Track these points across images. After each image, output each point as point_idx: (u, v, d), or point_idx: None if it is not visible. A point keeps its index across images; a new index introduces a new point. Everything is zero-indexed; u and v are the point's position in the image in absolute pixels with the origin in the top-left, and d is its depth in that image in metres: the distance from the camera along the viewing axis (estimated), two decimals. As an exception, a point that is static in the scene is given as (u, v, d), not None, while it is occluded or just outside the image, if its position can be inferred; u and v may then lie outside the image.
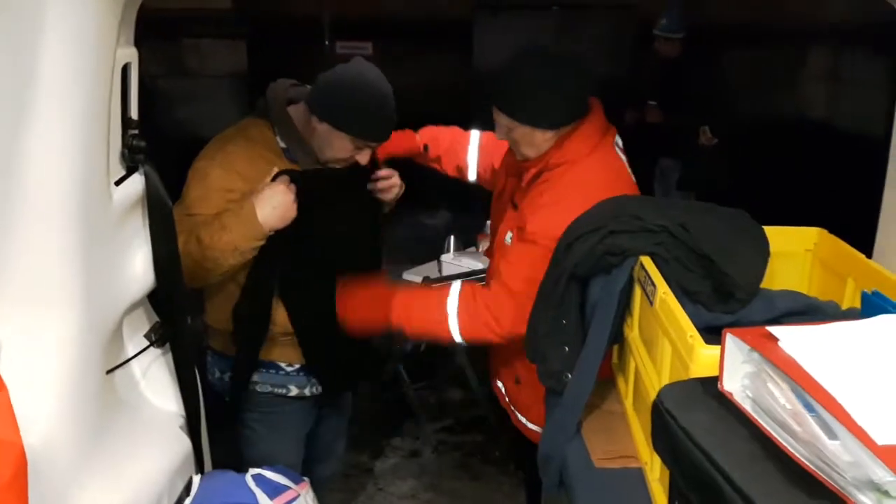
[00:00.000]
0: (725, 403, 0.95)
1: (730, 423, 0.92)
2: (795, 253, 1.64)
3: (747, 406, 0.92)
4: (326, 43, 6.81)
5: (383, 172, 2.01)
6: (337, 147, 1.88)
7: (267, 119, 1.91)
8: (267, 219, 1.78)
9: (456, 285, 1.87)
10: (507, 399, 2.09)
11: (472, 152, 2.22)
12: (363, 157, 1.91)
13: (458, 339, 1.86)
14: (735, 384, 0.94)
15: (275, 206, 1.78)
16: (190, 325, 1.66)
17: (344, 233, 1.96)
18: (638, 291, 1.46)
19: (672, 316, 1.19)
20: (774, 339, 0.90)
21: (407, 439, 3.59)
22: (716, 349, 1.01)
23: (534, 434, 1.97)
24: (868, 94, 4.89)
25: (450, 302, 1.84)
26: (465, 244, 3.82)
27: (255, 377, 2.00)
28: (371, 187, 2.00)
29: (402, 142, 2.15)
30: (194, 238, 1.77)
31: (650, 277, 1.33)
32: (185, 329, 1.63)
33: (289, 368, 2.01)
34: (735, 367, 0.94)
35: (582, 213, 1.53)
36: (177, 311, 1.60)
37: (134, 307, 1.57)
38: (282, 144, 1.91)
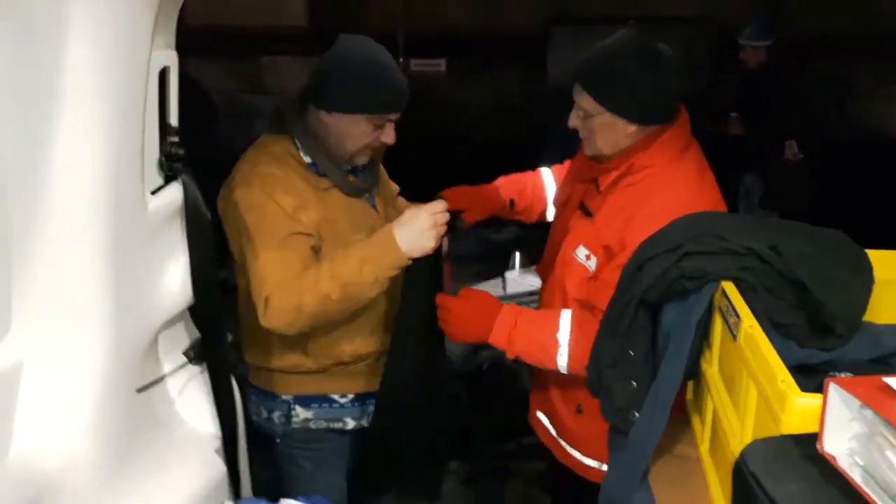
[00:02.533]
0: (826, 470, 0.78)
1: (832, 497, 0.75)
2: (904, 281, 1.42)
3: (856, 476, 0.74)
4: (401, 60, 6.83)
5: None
6: (356, 134, 1.71)
7: (286, 134, 1.75)
8: (407, 245, 1.62)
9: (566, 317, 1.68)
10: (553, 432, 1.90)
11: (549, 191, 2.05)
12: (389, 136, 1.74)
13: (563, 369, 1.68)
14: (839, 446, 0.76)
15: (417, 231, 1.62)
16: (230, 343, 1.57)
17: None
18: (718, 321, 1.28)
19: (759, 354, 1.02)
20: (894, 393, 0.73)
21: (464, 464, 3.43)
22: (814, 398, 0.84)
23: (591, 472, 1.78)
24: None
25: (561, 331, 1.66)
26: (532, 261, 3.70)
27: (307, 413, 1.85)
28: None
29: (491, 203, 1.96)
30: (325, 275, 1.61)
31: (733, 306, 1.15)
32: (224, 346, 1.54)
33: (343, 400, 1.87)
34: (840, 425, 0.76)
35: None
36: (215, 328, 1.51)
37: (172, 322, 1.50)
38: (306, 159, 1.74)
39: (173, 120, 1.37)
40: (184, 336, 1.56)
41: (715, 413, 1.28)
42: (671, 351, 1.29)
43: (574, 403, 1.82)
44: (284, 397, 1.84)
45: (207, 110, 2.62)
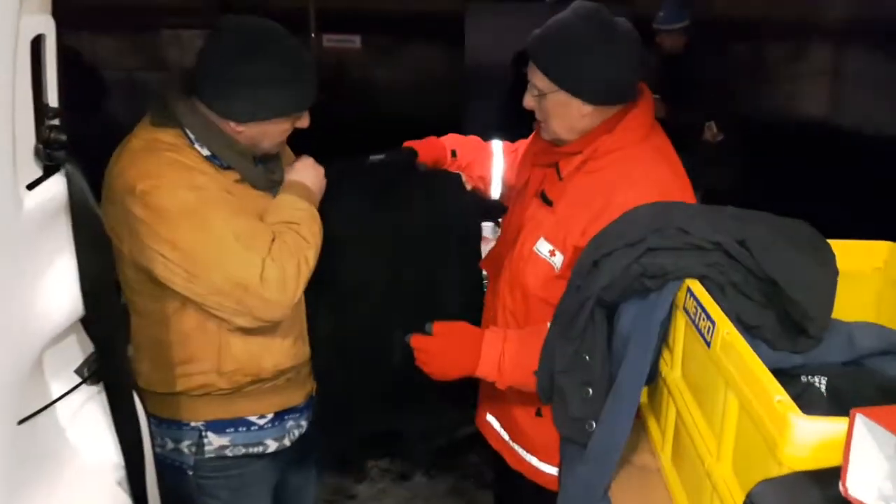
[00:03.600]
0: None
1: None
2: (861, 272, 1.37)
3: (889, 521, 0.64)
4: (312, 36, 6.54)
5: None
6: (276, 134, 1.55)
7: (174, 126, 1.50)
8: (315, 183, 1.61)
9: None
10: (506, 437, 1.76)
11: (496, 163, 1.91)
12: (305, 121, 1.59)
13: None
14: (869, 491, 0.66)
15: (314, 172, 1.62)
16: (131, 357, 1.36)
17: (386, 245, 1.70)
18: (681, 321, 1.18)
19: (742, 365, 0.92)
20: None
21: (396, 461, 3.30)
22: (822, 422, 0.73)
23: (547, 478, 1.65)
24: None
25: None
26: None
27: (222, 440, 1.63)
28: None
29: (431, 150, 1.85)
30: (303, 258, 1.49)
31: (704, 309, 1.05)
32: (124, 361, 1.33)
33: (261, 421, 1.66)
34: (868, 463, 0.66)
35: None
36: (112, 341, 1.30)
37: (60, 338, 1.28)
38: (204, 151, 1.50)
39: (52, 99, 1.15)
40: (77, 352, 1.34)
41: (679, 421, 1.18)
42: (631, 355, 1.18)
43: (533, 406, 1.66)
44: (194, 424, 1.61)
45: (97, 90, 2.33)
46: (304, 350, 1.66)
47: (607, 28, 1.48)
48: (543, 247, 1.54)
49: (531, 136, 1.74)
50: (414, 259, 1.71)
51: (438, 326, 1.53)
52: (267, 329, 1.55)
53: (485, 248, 3.55)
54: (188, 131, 1.50)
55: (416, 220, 1.71)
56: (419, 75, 6.53)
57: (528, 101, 1.56)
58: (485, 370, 1.49)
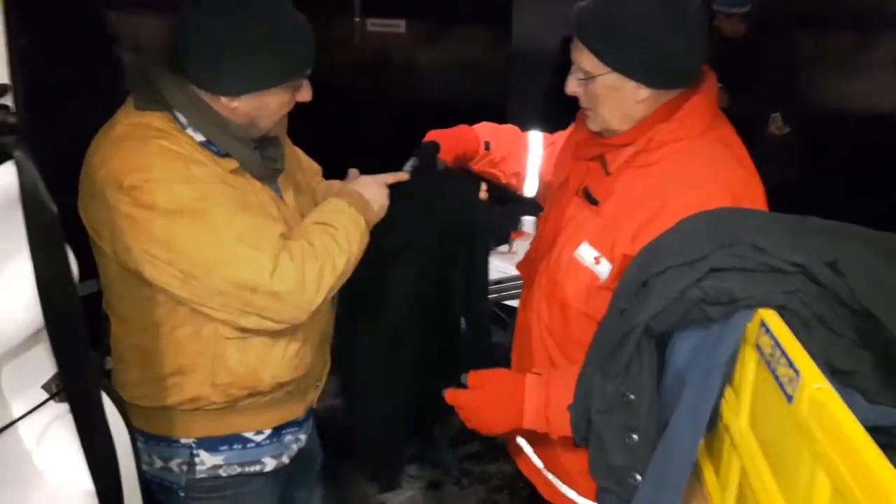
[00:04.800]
0: None
1: None
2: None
3: None
4: (357, 20, 6.39)
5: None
6: (275, 108, 1.37)
7: (163, 110, 1.33)
8: (376, 200, 1.48)
9: None
10: (539, 464, 1.55)
11: (532, 157, 1.69)
12: (306, 93, 1.41)
13: None
14: None
15: (377, 190, 1.49)
16: (102, 367, 1.20)
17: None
18: (751, 359, 0.95)
19: (840, 437, 0.69)
20: None
21: (426, 468, 3.12)
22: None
23: None
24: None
25: None
26: (496, 242, 3.33)
27: (216, 459, 1.49)
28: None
29: (460, 142, 1.63)
30: (329, 263, 1.34)
31: (784, 352, 0.82)
32: (91, 372, 1.16)
33: (258, 437, 1.52)
34: None
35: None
36: (76, 353, 1.14)
37: (19, 350, 1.12)
38: (198, 137, 1.34)
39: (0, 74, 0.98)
40: (44, 365, 1.19)
41: (744, 480, 0.95)
42: (688, 398, 0.96)
43: None
44: (185, 441, 1.47)
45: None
46: (307, 361, 1.50)
47: (669, 2, 1.25)
48: (587, 253, 1.33)
49: (571, 126, 1.52)
50: (423, 270, 1.53)
51: (473, 378, 1.36)
52: (266, 338, 1.40)
53: (524, 244, 3.32)
54: (178, 114, 1.33)
55: (425, 230, 1.53)
56: (464, 60, 6.34)
57: (572, 86, 1.34)
58: (531, 422, 1.31)
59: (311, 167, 1.73)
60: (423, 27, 6.42)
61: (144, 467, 1.47)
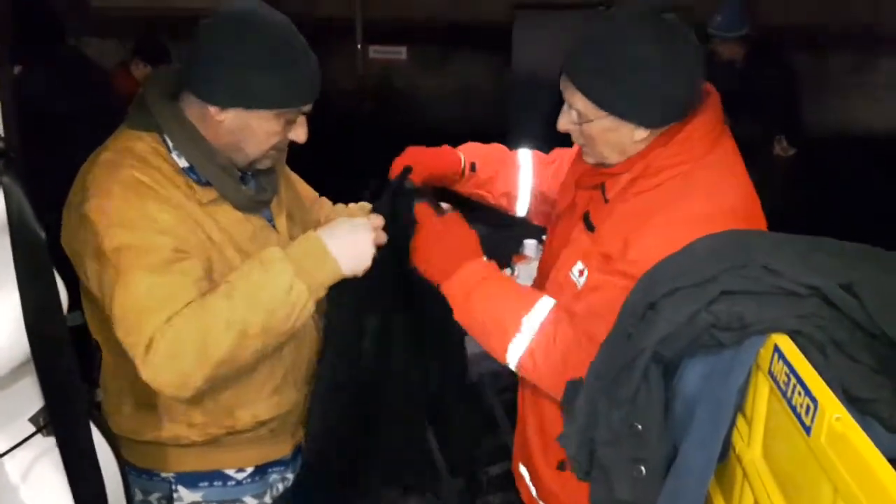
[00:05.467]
0: None
1: None
2: None
3: None
4: (359, 47, 6.45)
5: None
6: (261, 135, 1.30)
7: (150, 129, 1.32)
8: (342, 258, 1.27)
9: (545, 304, 1.31)
10: (534, 492, 1.51)
11: (524, 176, 1.65)
12: (300, 133, 1.35)
13: (511, 363, 1.33)
14: None
15: (351, 244, 1.28)
16: (90, 401, 1.17)
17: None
18: (763, 385, 0.91)
19: (859, 465, 0.65)
20: None
21: (428, 497, 3.06)
22: None
23: None
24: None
25: (531, 315, 1.31)
26: (499, 264, 3.31)
27: (195, 495, 1.44)
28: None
29: (440, 161, 1.58)
30: (239, 301, 1.21)
31: (800, 379, 0.78)
32: (79, 408, 1.12)
33: (239, 475, 1.47)
34: None
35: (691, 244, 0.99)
36: (64, 385, 1.10)
37: (7, 383, 1.08)
38: (181, 163, 1.31)
39: (-14, 98, 0.96)
40: (31, 398, 1.15)
41: (758, 513, 0.91)
42: (699, 428, 0.92)
43: (555, 457, 1.42)
44: (164, 475, 1.43)
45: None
46: (290, 398, 1.45)
47: (664, 33, 1.20)
48: (575, 271, 1.32)
49: (575, 153, 1.49)
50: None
51: (453, 216, 1.42)
52: (239, 379, 1.35)
53: (527, 268, 3.27)
54: (167, 137, 1.32)
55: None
56: (465, 86, 6.40)
57: (564, 125, 1.30)
58: (454, 286, 1.36)
59: (309, 195, 1.69)
60: (424, 54, 6.48)
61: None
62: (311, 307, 1.26)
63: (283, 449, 1.51)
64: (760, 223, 1.27)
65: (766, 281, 0.88)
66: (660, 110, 1.23)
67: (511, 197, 1.66)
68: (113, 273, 1.23)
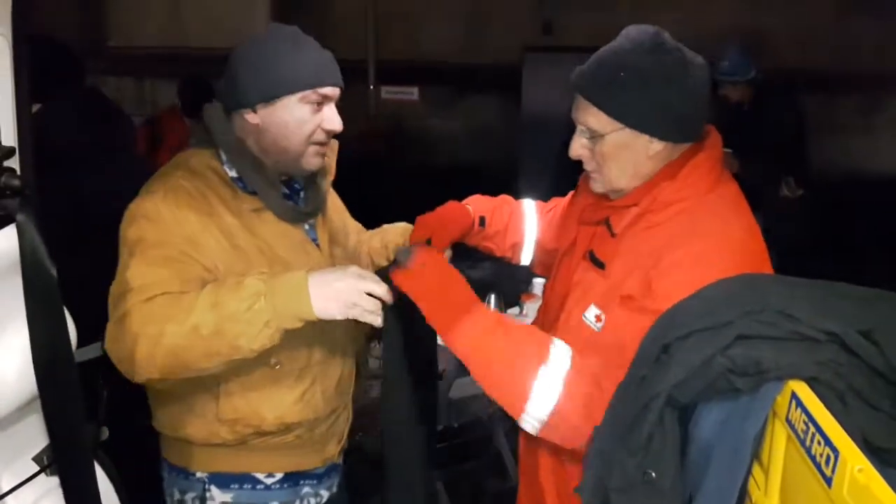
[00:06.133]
0: None
1: None
2: None
3: None
4: (371, 87, 6.54)
5: None
6: (293, 124, 1.38)
7: (209, 146, 1.46)
8: (318, 300, 1.27)
9: (563, 354, 1.24)
10: None
11: (529, 226, 1.66)
12: (332, 120, 1.41)
13: (531, 423, 1.24)
14: None
15: (334, 292, 1.28)
16: (97, 438, 1.16)
17: None
18: (780, 433, 0.89)
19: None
20: None
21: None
22: None
23: None
24: None
25: (551, 365, 1.22)
26: (507, 303, 3.31)
27: (225, 496, 1.50)
28: None
29: (458, 224, 1.57)
30: (204, 301, 1.26)
31: (819, 428, 0.76)
32: (84, 448, 1.11)
33: (269, 480, 1.52)
34: None
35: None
36: (70, 425, 1.09)
37: (10, 421, 1.08)
38: (231, 173, 1.44)
39: (4, 135, 0.97)
40: (36, 436, 1.14)
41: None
42: (715, 476, 0.90)
43: (568, 500, 1.39)
44: (199, 475, 1.50)
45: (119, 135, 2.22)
46: (317, 407, 1.50)
47: (672, 53, 1.23)
48: (591, 314, 1.27)
49: (571, 194, 1.49)
50: None
51: (426, 254, 1.33)
52: (269, 378, 1.43)
53: (535, 306, 3.25)
54: (221, 151, 1.44)
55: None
56: (476, 126, 6.45)
57: (577, 149, 1.30)
58: (463, 336, 1.26)
59: (354, 227, 1.75)
60: (436, 95, 6.56)
61: (167, 499, 1.56)
62: (270, 332, 1.27)
63: (314, 461, 1.54)
64: (763, 257, 1.26)
65: (783, 326, 0.87)
66: (672, 121, 1.23)
67: (518, 247, 1.66)
68: (126, 257, 1.33)
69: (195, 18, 5.95)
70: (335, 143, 1.54)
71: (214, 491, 1.49)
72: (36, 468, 1.13)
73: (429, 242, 1.51)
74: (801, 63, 5.23)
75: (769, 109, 4.20)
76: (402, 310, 1.34)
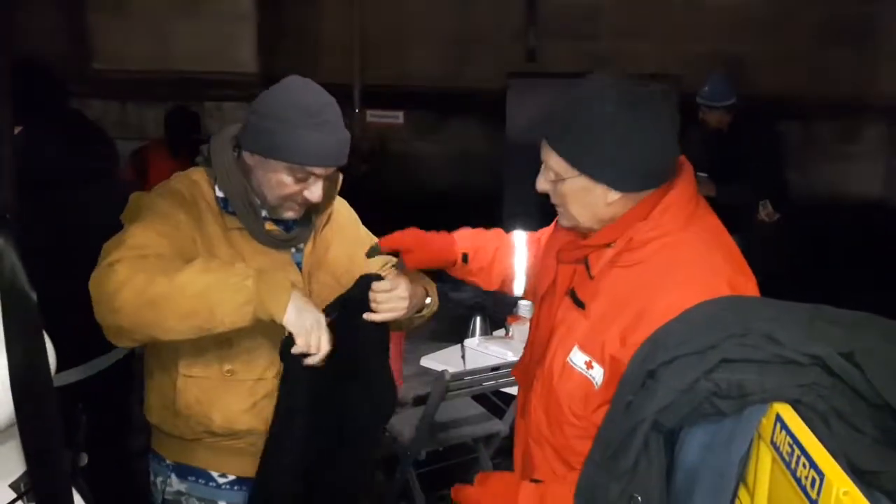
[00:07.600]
0: None
1: None
2: None
3: None
4: (356, 111, 6.56)
5: (380, 285, 1.51)
6: (275, 183, 1.48)
7: (207, 167, 1.57)
8: (293, 312, 1.36)
9: None
10: None
11: (519, 257, 1.65)
12: (313, 193, 1.49)
13: None
14: None
15: (304, 316, 1.38)
16: (72, 468, 1.14)
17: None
18: (766, 456, 0.89)
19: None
20: None
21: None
22: None
23: None
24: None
25: None
26: (493, 325, 3.33)
27: (181, 485, 1.61)
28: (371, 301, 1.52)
29: (439, 255, 1.58)
30: (196, 265, 1.36)
31: (804, 450, 0.77)
32: (62, 474, 1.09)
33: (221, 479, 1.60)
34: None
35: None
36: (48, 451, 1.07)
37: (-13, 446, 1.05)
38: (218, 193, 1.54)
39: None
40: (13, 463, 1.11)
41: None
42: (701, 498, 0.90)
43: None
44: (168, 462, 1.63)
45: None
46: (268, 420, 1.53)
47: (634, 99, 1.21)
48: (578, 358, 1.25)
49: (552, 225, 1.49)
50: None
51: (480, 477, 1.34)
52: (223, 383, 1.51)
53: (521, 329, 3.22)
54: (216, 171, 1.53)
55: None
56: (460, 150, 6.49)
57: (541, 184, 1.30)
58: None
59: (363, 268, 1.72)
60: (421, 118, 6.60)
61: (153, 489, 1.66)
62: (246, 312, 1.34)
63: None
64: (754, 287, 1.25)
65: (766, 349, 0.87)
66: (629, 174, 1.23)
67: (509, 279, 1.64)
68: (126, 226, 1.45)
69: (181, 43, 5.94)
70: (339, 176, 1.60)
71: (174, 479, 1.61)
72: (13, 495, 1.11)
73: (397, 255, 1.52)
74: (779, 89, 5.33)
75: (747, 134, 4.26)
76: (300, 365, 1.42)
